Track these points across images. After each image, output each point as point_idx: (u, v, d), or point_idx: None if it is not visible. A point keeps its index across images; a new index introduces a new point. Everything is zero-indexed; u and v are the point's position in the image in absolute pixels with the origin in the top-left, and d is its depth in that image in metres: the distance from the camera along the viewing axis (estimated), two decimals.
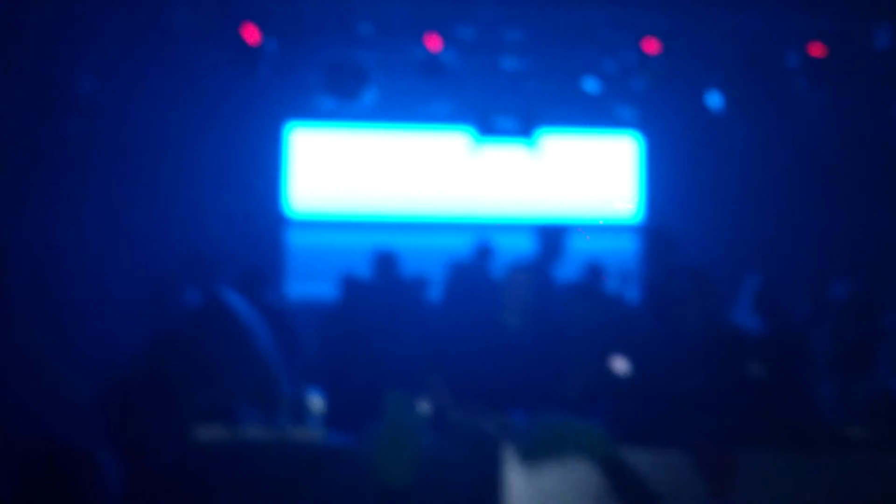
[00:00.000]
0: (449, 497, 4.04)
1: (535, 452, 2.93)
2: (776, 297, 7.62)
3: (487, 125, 9.80)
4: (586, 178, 10.68)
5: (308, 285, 9.60)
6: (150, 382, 4.60)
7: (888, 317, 6.66)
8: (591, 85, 9.71)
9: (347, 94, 9.07)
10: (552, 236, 6.95)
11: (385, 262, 7.56)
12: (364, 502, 4.02)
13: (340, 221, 10.26)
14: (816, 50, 8.79)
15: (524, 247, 7.28)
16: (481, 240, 7.50)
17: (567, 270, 7.17)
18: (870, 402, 4.99)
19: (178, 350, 4.74)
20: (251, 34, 8.65)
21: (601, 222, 10.38)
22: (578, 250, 7.58)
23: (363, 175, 10.50)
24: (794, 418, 4.38)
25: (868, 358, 5.82)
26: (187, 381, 4.60)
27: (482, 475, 3.98)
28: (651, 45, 8.93)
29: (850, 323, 6.72)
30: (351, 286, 7.68)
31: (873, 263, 8.68)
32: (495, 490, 3.92)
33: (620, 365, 4.73)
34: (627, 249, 10.02)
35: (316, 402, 4.46)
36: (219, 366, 4.63)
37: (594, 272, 7.92)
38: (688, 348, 4.95)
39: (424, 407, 4.39)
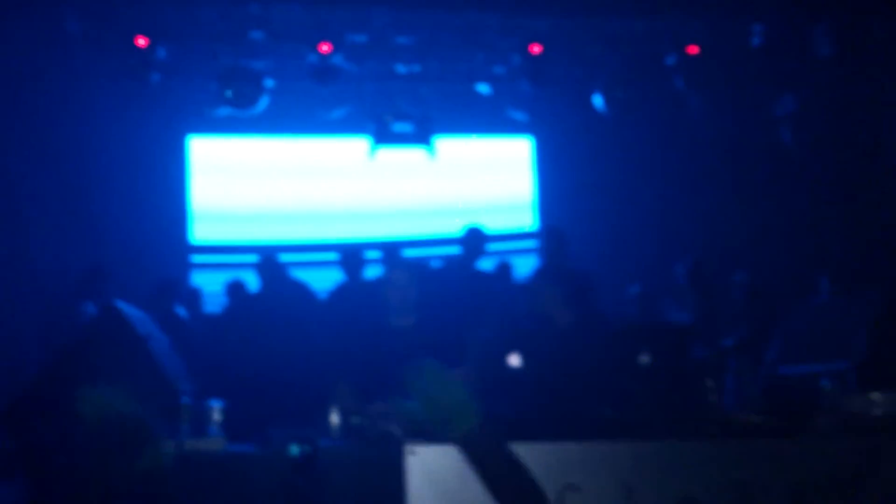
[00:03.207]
0: (353, 500, 3.89)
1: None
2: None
3: (384, 131, 9.60)
4: (485, 180, 10.60)
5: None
6: (48, 395, 4.39)
7: (778, 305, 6.78)
8: (482, 89, 9.68)
9: (243, 102, 8.83)
10: (472, 238, 6.98)
11: (270, 269, 7.44)
12: None
13: (241, 245, 9.84)
14: (694, 50, 8.91)
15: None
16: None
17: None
18: (761, 388, 5.02)
19: (75, 361, 4.51)
20: (142, 43, 8.33)
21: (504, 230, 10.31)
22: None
23: (262, 185, 10.20)
24: (685, 406, 4.35)
25: (759, 346, 5.87)
26: (86, 392, 4.36)
27: (386, 477, 3.84)
28: (536, 50, 8.93)
29: (742, 312, 6.83)
30: (236, 292, 7.52)
31: (760, 255, 8.80)
32: (398, 492, 3.78)
33: (515, 360, 4.65)
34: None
35: (216, 411, 4.24)
36: (115, 376, 4.39)
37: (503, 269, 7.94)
38: (568, 343, 4.94)
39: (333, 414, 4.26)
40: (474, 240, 7.07)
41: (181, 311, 7.52)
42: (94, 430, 4.03)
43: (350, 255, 7.35)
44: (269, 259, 7.50)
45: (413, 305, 5.00)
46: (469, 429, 2.16)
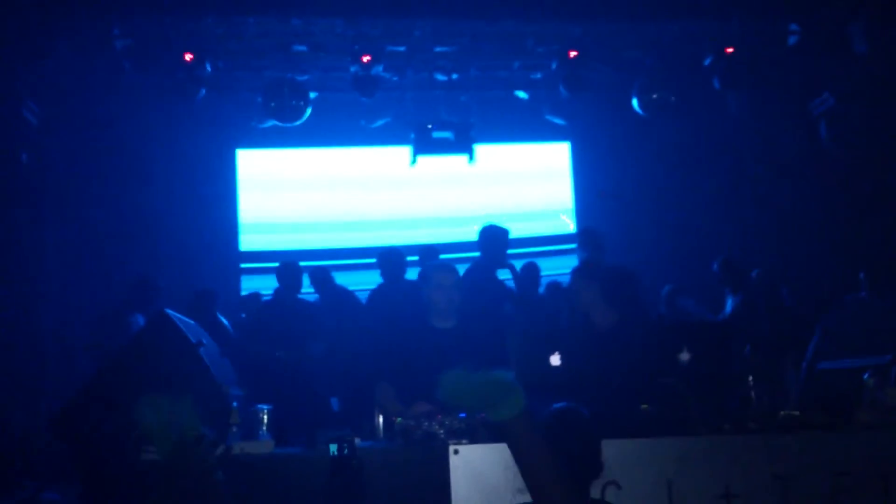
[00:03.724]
0: (398, 499, 3.91)
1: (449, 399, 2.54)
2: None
3: (425, 139, 9.63)
4: (525, 186, 10.59)
5: None
6: (101, 400, 4.43)
7: (797, 300, 6.72)
8: (521, 95, 9.68)
9: (288, 114, 8.91)
10: (493, 238, 6.90)
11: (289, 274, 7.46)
12: None
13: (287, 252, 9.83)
14: (730, 51, 8.84)
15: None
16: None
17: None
18: (803, 383, 4.97)
19: (127, 367, 4.55)
20: (188, 59, 8.45)
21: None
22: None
23: (306, 194, 10.29)
24: (725, 402, 4.32)
25: (778, 342, 5.80)
26: (138, 396, 4.40)
27: (430, 476, 3.85)
28: (573, 55, 8.92)
29: (767, 307, 6.75)
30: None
31: (798, 252, 8.70)
32: (443, 490, 3.79)
33: (555, 359, 4.63)
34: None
35: (265, 415, 4.28)
36: (167, 379, 4.44)
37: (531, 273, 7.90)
38: (608, 341, 4.90)
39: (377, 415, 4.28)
40: (490, 239, 6.93)
41: (222, 318, 7.58)
42: (146, 434, 4.09)
43: (389, 259, 7.35)
44: (288, 265, 7.51)
45: (456, 307, 4.93)
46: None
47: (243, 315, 8.18)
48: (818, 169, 8.92)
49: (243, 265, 10.00)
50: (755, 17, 8.48)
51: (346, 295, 7.71)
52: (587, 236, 7.14)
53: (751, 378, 4.27)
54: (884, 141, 8.00)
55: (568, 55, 8.91)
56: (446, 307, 4.88)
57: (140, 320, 6.93)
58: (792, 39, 8.60)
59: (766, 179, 9.36)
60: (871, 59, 7.93)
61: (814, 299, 6.89)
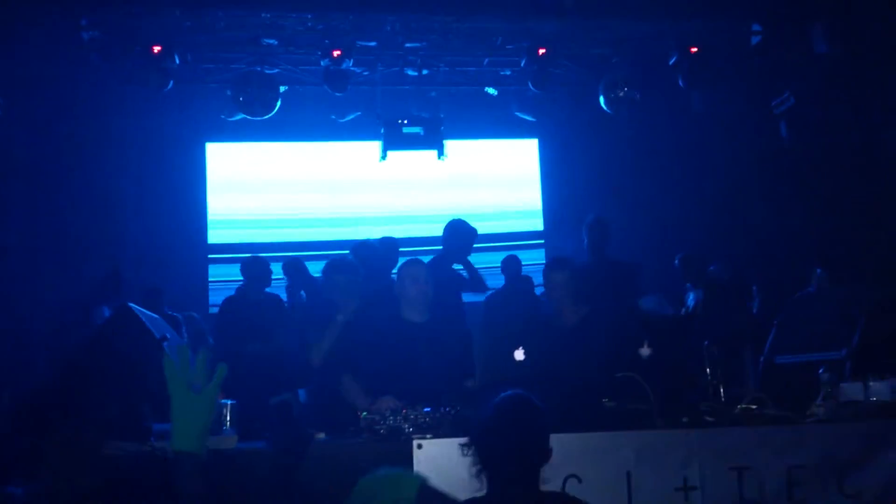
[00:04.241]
0: None
1: None
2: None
3: (395, 134, 9.60)
4: (493, 181, 10.60)
5: None
6: (64, 394, 4.37)
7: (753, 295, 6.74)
8: (490, 91, 9.68)
9: (257, 108, 8.85)
10: (457, 233, 6.87)
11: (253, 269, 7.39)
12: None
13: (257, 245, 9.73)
14: (695, 50, 8.90)
15: None
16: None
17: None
18: (759, 377, 5.02)
19: (90, 361, 4.50)
20: (157, 51, 8.36)
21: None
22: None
23: (277, 190, 10.22)
24: (683, 395, 4.35)
25: (746, 337, 5.85)
26: (101, 390, 4.36)
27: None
28: (542, 52, 8.94)
29: (730, 304, 6.79)
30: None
31: (757, 248, 8.76)
32: None
33: (519, 354, 4.65)
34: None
35: (229, 410, 4.24)
36: (131, 373, 4.39)
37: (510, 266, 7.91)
38: (573, 336, 4.93)
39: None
40: (454, 234, 6.87)
41: (174, 313, 7.51)
42: (108, 427, 4.05)
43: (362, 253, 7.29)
44: (252, 260, 7.44)
45: (430, 302, 4.91)
46: None
47: None
48: (779, 166, 9.00)
49: (211, 256, 9.93)
50: (719, 17, 8.55)
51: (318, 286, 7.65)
52: (596, 227, 6.98)
53: (709, 372, 4.31)
54: (843, 139, 8.09)
55: (537, 52, 8.92)
56: (420, 301, 4.87)
57: (106, 313, 6.85)
58: (754, 39, 8.69)
59: (729, 176, 9.42)
60: (832, 59, 8.01)
61: (773, 294, 6.95)
